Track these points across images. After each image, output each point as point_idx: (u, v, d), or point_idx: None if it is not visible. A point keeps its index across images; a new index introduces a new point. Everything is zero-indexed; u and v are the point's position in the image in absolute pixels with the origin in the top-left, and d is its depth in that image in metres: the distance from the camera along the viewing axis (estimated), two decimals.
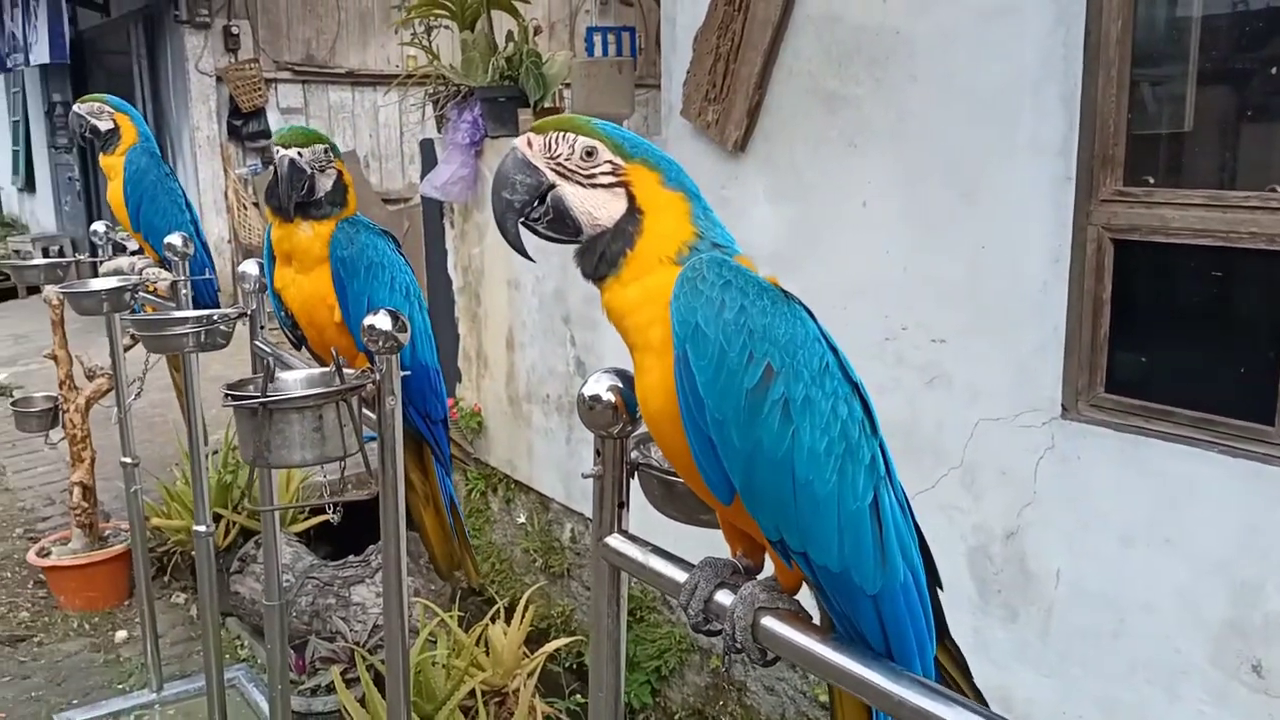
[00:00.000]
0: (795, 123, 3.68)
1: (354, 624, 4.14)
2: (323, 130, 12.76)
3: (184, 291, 2.79)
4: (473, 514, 6.01)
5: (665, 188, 1.18)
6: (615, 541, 1.29)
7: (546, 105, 5.28)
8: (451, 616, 3.53)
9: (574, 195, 1.16)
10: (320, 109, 12.40)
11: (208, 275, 3.23)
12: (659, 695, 4.62)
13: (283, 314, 2.35)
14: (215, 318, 2.30)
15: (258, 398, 1.58)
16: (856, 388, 1.15)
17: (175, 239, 2.79)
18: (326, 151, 2.23)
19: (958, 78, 3.12)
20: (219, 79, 11.47)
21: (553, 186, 1.17)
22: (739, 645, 1.13)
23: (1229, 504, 2.58)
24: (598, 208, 1.16)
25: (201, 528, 3.05)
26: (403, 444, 2.30)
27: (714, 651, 4.37)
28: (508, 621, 3.52)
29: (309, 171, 2.19)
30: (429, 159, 6.12)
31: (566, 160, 1.16)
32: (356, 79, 12.48)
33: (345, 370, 1.79)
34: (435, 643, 3.54)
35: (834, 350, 1.14)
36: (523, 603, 3.62)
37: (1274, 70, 2.59)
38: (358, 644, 3.88)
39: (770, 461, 1.05)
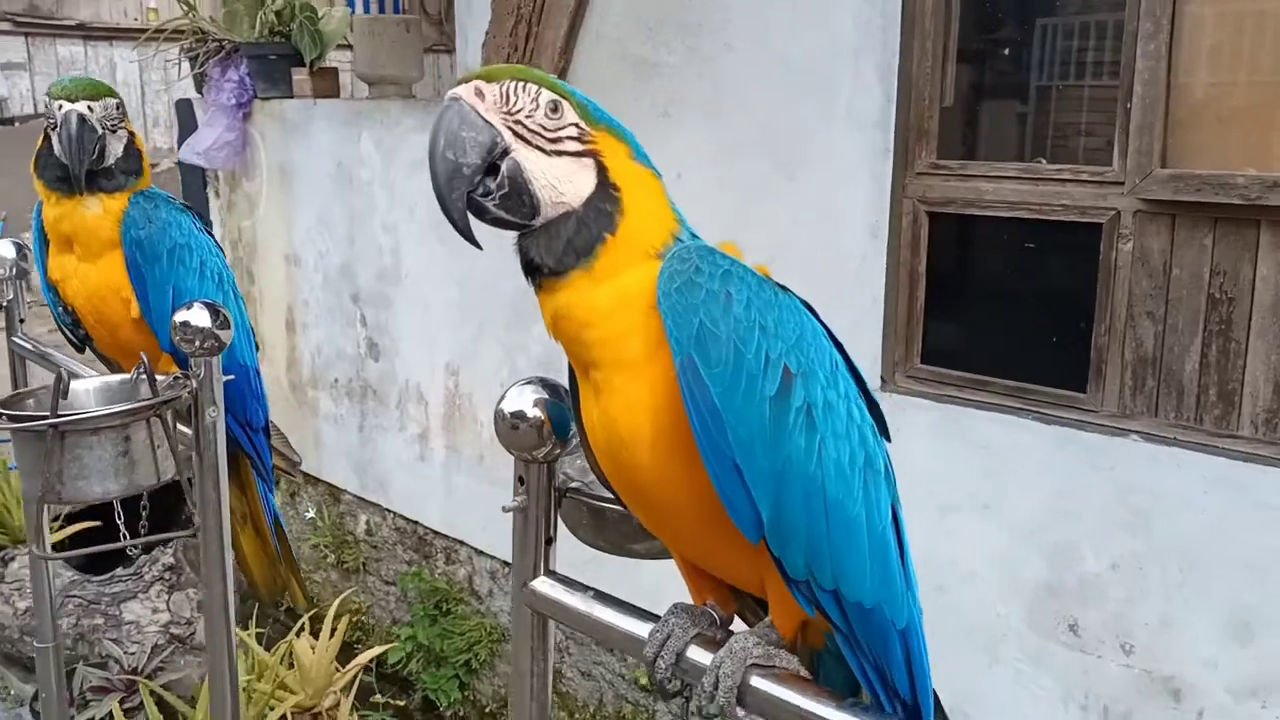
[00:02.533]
0: (604, 91, 3.52)
1: (129, 645, 3.70)
2: None
3: None
4: None
5: (635, 162, 0.99)
6: (544, 586, 1.10)
7: (324, 65, 4.88)
8: (249, 635, 3.19)
9: (535, 164, 0.93)
10: (47, 65, 11.15)
11: None
12: (468, 689, 4.42)
13: (60, 310, 1.95)
14: None
15: (46, 418, 1.27)
16: (861, 385, 1.02)
17: None
18: (119, 108, 1.86)
19: (774, 47, 3.06)
20: None
21: (507, 151, 0.93)
22: (719, 710, 0.97)
23: (1044, 470, 2.67)
24: (562, 180, 0.94)
25: None
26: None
27: None
28: (315, 635, 3.22)
29: (100, 131, 1.82)
30: (187, 122, 5.54)
31: (527, 118, 0.94)
32: (89, 32, 11.29)
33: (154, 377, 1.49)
34: None
35: (838, 345, 1.02)
36: (331, 612, 3.33)
37: (1087, 43, 2.68)
38: (135, 670, 3.46)
39: (801, 481, 0.90)
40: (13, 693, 4.15)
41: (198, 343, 1.41)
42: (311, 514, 5.12)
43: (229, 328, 1.43)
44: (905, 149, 2.87)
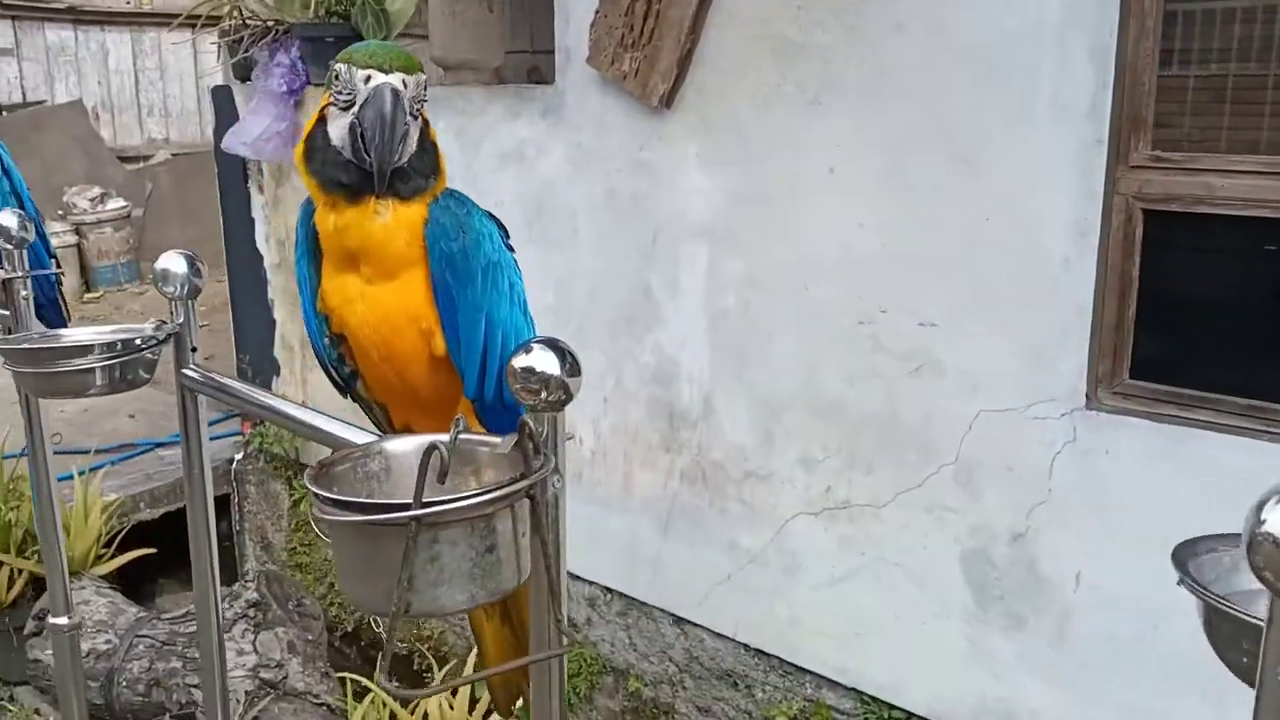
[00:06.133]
0: (739, 75, 3.19)
1: None
2: (42, 78, 10.96)
3: (23, 294, 1.92)
4: (301, 528, 5.19)
5: None
6: None
7: None
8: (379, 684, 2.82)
9: None
10: (35, 50, 10.65)
11: (56, 270, 2.29)
12: None
13: (325, 341, 1.59)
14: (138, 341, 1.51)
15: (404, 508, 0.91)
16: None
17: (7, 219, 1.91)
18: (425, 86, 1.50)
19: (957, 26, 2.75)
20: None
21: None
22: None
23: None
24: None
25: (63, 620, 2.19)
26: None
27: (631, 673, 3.90)
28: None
29: (411, 117, 1.46)
30: (225, 110, 5.15)
31: None
32: (79, 16, 10.77)
33: (483, 437, 1.14)
34: None
35: None
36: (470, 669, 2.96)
37: None
38: None
39: None
40: None
41: (544, 394, 1.07)
42: None
43: (579, 374, 1.09)
44: (1118, 139, 2.57)
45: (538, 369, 1.06)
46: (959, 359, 2.87)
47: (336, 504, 0.98)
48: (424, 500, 0.91)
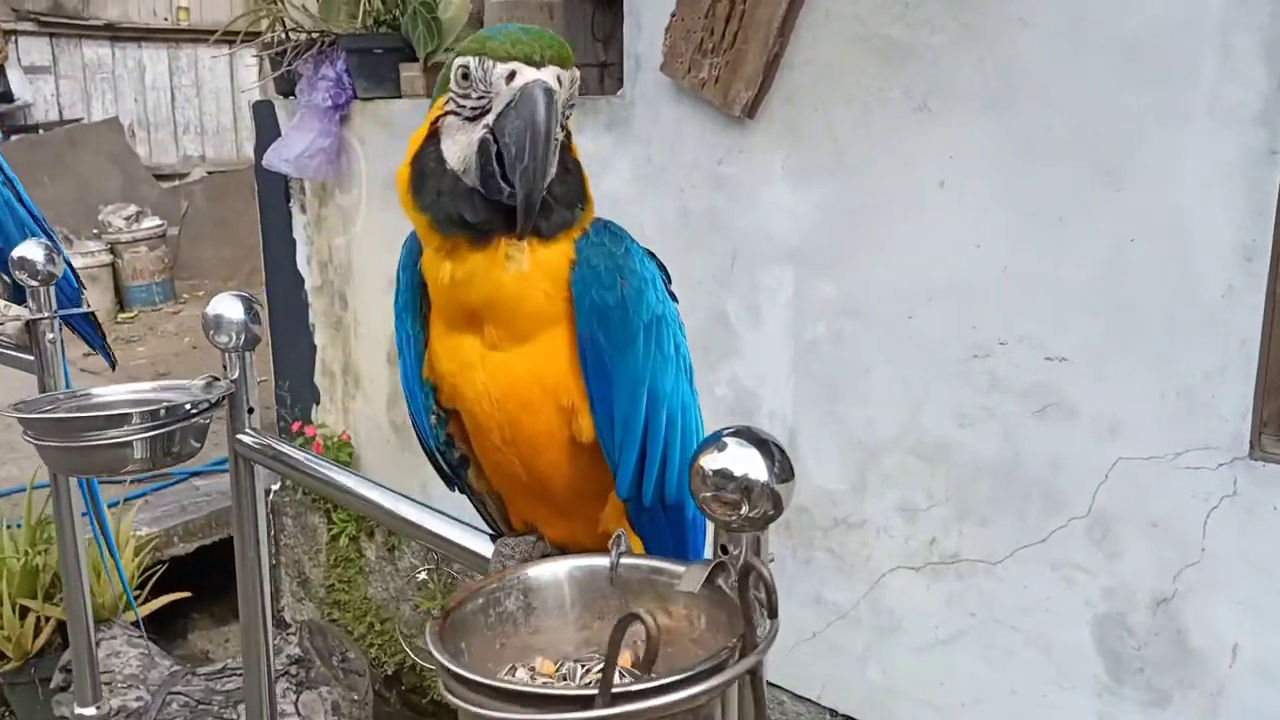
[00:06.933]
0: (834, 80, 2.89)
1: None
2: (78, 95, 10.84)
3: (50, 337, 1.63)
4: (340, 563, 4.91)
5: None
6: None
7: (440, 59, 4.23)
8: None
9: None
10: (72, 68, 10.53)
11: (87, 308, 2.00)
12: None
13: (431, 418, 1.22)
14: (187, 405, 1.20)
15: (585, 703, 0.60)
16: None
17: (33, 251, 1.61)
18: (578, 85, 1.17)
19: (1096, 21, 2.43)
20: None
21: None
22: None
23: None
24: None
25: (90, 710, 1.88)
26: None
27: None
28: None
29: (563, 129, 1.07)
30: (267, 126, 4.90)
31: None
32: (117, 33, 10.65)
33: (656, 564, 0.83)
34: None
35: None
36: None
37: None
38: None
39: None
40: None
41: (745, 508, 0.76)
42: (424, 575, 4.46)
43: (791, 477, 0.78)
44: None
45: (737, 473, 0.75)
46: (1094, 399, 2.53)
47: (477, 688, 0.66)
48: (615, 691, 0.60)
